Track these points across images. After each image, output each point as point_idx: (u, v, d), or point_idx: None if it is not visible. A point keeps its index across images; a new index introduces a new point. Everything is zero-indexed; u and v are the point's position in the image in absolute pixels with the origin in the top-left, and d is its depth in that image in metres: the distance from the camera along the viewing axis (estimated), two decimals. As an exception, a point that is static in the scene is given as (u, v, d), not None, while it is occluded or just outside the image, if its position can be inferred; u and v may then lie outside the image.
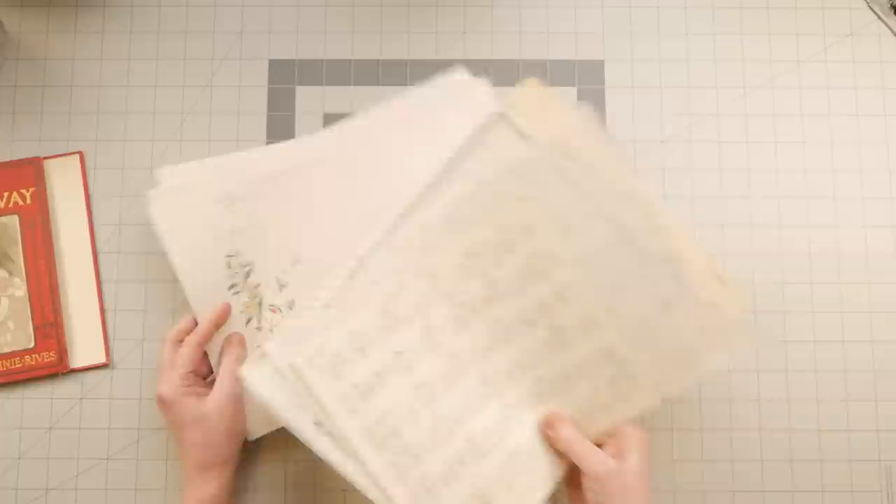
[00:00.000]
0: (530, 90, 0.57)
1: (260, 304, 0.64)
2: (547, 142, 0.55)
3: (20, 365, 0.64)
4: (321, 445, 0.52)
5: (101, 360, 0.65)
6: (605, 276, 0.55)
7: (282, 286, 0.64)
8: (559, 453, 0.55)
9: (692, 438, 0.65)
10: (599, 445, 0.54)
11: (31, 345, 0.64)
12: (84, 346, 0.65)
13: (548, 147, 0.55)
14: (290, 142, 0.67)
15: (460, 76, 0.66)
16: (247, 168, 0.65)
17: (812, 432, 0.65)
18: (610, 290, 0.55)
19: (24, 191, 0.66)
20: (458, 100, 0.65)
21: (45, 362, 0.64)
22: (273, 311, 0.64)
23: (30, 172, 0.66)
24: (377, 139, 0.65)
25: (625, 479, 0.51)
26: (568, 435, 0.54)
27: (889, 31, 0.69)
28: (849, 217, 0.67)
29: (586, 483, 0.53)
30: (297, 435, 0.52)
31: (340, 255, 0.59)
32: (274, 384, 0.52)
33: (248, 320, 0.64)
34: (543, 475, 0.55)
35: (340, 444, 0.52)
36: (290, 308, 0.63)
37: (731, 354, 0.55)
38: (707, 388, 0.65)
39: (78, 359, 0.65)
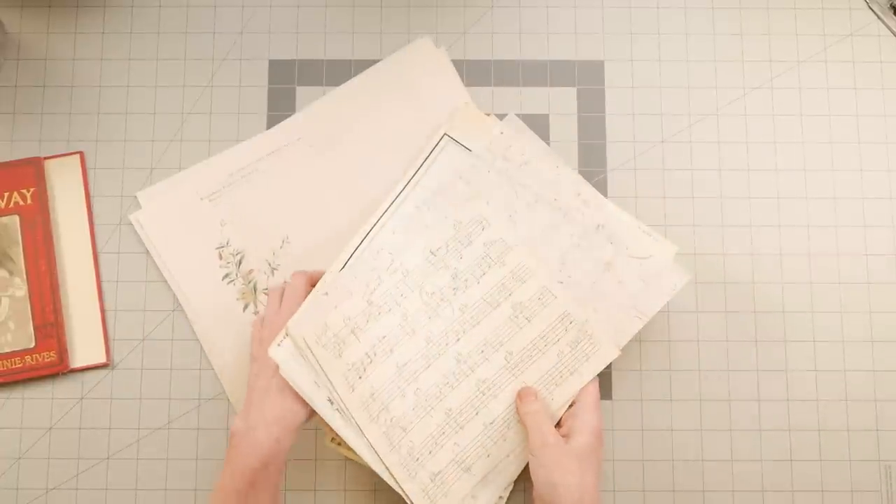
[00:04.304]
0: (465, 112, 0.66)
1: (254, 289, 0.65)
2: (484, 149, 0.64)
3: (20, 365, 0.64)
4: (334, 420, 0.58)
5: (101, 360, 0.65)
6: (551, 252, 0.62)
7: (273, 269, 0.66)
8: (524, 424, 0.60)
9: (692, 438, 0.65)
10: (559, 424, 0.59)
11: (32, 345, 0.64)
12: (84, 346, 0.65)
13: (486, 153, 0.64)
14: (262, 133, 0.68)
15: (423, 44, 0.69)
16: (224, 164, 0.67)
17: (812, 432, 0.65)
18: (558, 263, 0.62)
19: (24, 191, 0.66)
20: (426, 66, 0.69)
21: (46, 362, 0.64)
22: (267, 294, 0.65)
23: (30, 172, 0.66)
24: (350, 112, 0.68)
25: (560, 457, 0.55)
26: (531, 409, 0.58)
27: (889, 31, 0.69)
28: (849, 217, 0.67)
29: (530, 452, 0.57)
30: (316, 410, 0.58)
31: (326, 231, 0.66)
32: (297, 363, 0.58)
33: (245, 307, 0.65)
34: (520, 444, 0.60)
35: (345, 419, 0.58)
36: None
37: (671, 295, 0.61)
38: (707, 388, 0.65)
39: (78, 359, 0.65)
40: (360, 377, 0.59)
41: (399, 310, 0.61)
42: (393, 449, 0.59)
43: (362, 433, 0.59)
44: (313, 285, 0.62)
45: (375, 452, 0.59)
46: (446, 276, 0.62)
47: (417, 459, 0.59)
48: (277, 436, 0.55)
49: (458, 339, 0.61)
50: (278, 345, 0.59)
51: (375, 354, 0.60)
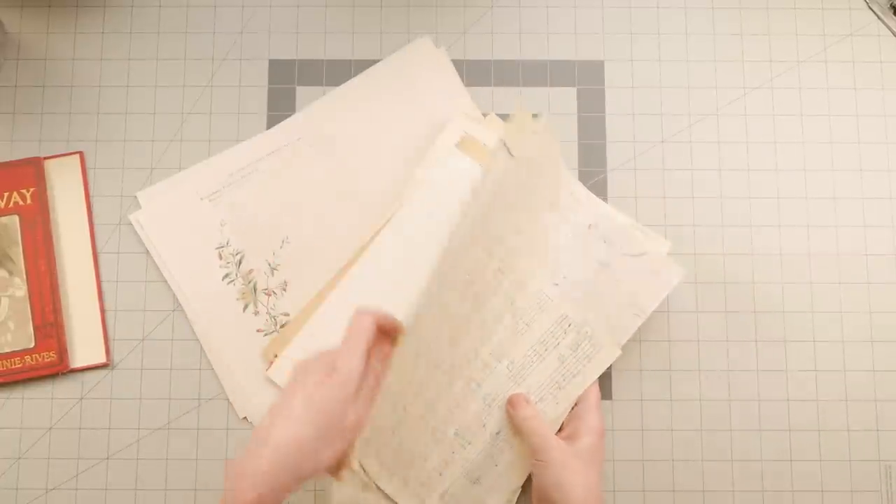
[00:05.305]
0: (465, 143, 0.64)
1: (254, 289, 0.65)
2: (514, 154, 0.55)
3: (20, 365, 0.64)
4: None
5: (101, 360, 0.65)
6: (550, 254, 0.62)
7: (273, 269, 0.66)
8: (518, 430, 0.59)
9: (692, 438, 0.65)
10: (560, 428, 0.59)
11: (32, 345, 0.64)
12: (84, 346, 0.65)
13: (510, 158, 0.55)
14: (262, 133, 0.68)
15: (423, 44, 0.69)
16: (224, 164, 0.67)
17: (812, 432, 0.65)
18: (553, 264, 0.62)
19: (24, 191, 0.66)
20: (426, 66, 0.69)
21: (45, 362, 0.64)
22: (267, 294, 0.65)
23: (30, 172, 0.66)
24: (350, 112, 0.68)
25: (566, 459, 0.55)
26: (527, 414, 0.58)
27: (889, 31, 0.69)
28: (849, 217, 0.67)
29: (534, 457, 0.56)
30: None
31: (326, 231, 0.66)
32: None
33: (245, 307, 0.65)
34: (524, 452, 0.59)
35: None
36: (284, 290, 0.65)
37: (668, 290, 0.61)
38: (707, 388, 0.65)
39: (78, 359, 0.65)
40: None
41: (415, 334, 0.52)
42: (406, 485, 0.58)
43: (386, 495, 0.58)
44: (380, 327, 0.51)
45: (388, 497, 0.58)
46: (471, 298, 0.60)
47: (425, 485, 0.59)
48: (260, 492, 0.46)
49: (470, 362, 0.60)
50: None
51: (405, 409, 0.55)
